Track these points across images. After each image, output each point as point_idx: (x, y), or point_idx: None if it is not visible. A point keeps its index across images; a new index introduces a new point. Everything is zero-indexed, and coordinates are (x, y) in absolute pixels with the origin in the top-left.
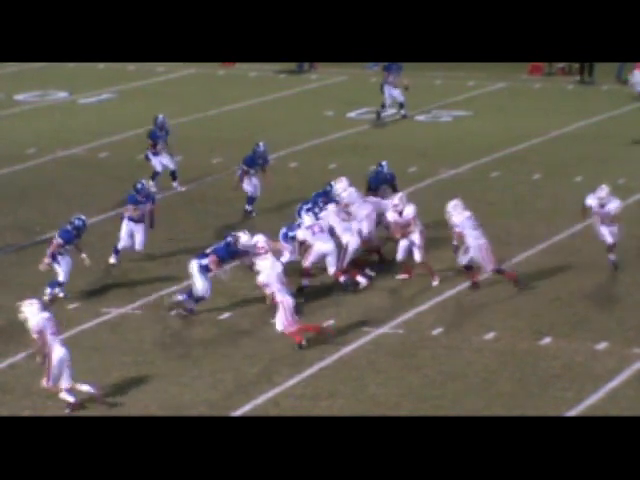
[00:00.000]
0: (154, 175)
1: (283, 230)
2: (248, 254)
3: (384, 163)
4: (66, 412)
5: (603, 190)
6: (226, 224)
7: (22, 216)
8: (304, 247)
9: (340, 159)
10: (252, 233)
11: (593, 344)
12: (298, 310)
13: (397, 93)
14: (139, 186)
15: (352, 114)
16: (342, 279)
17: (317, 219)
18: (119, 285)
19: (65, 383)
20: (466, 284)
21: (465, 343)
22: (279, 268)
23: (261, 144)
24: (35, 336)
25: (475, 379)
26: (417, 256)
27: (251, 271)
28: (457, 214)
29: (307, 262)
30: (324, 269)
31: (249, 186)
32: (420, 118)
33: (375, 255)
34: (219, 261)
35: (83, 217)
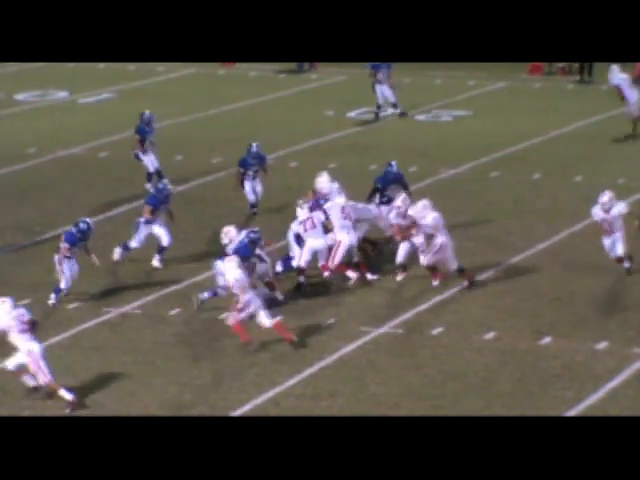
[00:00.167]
0: (149, 176)
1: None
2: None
3: (393, 163)
4: (66, 412)
5: (605, 195)
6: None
7: (22, 216)
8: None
9: (340, 159)
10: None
11: (593, 344)
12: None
13: (389, 93)
14: (160, 186)
15: (352, 114)
16: (326, 274)
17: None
18: (119, 285)
19: (30, 379)
20: (466, 284)
21: (465, 343)
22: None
23: (254, 145)
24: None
25: (475, 379)
26: (422, 259)
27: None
28: (427, 215)
29: (301, 261)
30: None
31: (250, 194)
32: (420, 118)
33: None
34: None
35: (88, 220)
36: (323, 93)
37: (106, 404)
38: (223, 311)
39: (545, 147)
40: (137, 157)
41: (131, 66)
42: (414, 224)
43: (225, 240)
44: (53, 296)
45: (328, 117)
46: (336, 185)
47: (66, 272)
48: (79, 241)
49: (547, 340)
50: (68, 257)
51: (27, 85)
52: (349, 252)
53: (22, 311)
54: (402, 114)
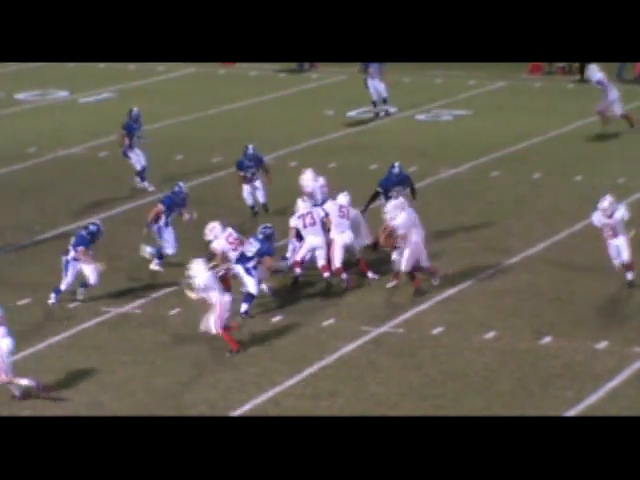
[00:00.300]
0: (138, 174)
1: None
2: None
3: (396, 164)
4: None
5: (605, 200)
6: (226, 224)
7: (22, 216)
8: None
9: (340, 158)
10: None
11: (593, 343)
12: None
13: (382, 88)
14: (177, 189)
15: (352, 113)
16: (326, 274)
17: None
18: (119, 285)
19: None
20: (467, 284)
21: (465, 342)
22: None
23: (250, 147)
24: None
25: (475, 378)
26: (424, 263)
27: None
28: (397, 215)
29: (298, 256)
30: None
31: (248, 196)
32: (420, 117)
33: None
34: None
35: (98, 222)
36: (323, 93)
37: (106, 404)
38: None
39: (545, 147)
40: (125, 155)
41: (131, 66)
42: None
43: (210, 237)
44: (81, 290)
45: (328, 117)
46: (319, 183)
47: (70, 276)
48: (90, 243)
49: (547, 340)
50: (79, 260)
51: (27, 85)
52: (349, 251)
53: None
54: (387, 113)
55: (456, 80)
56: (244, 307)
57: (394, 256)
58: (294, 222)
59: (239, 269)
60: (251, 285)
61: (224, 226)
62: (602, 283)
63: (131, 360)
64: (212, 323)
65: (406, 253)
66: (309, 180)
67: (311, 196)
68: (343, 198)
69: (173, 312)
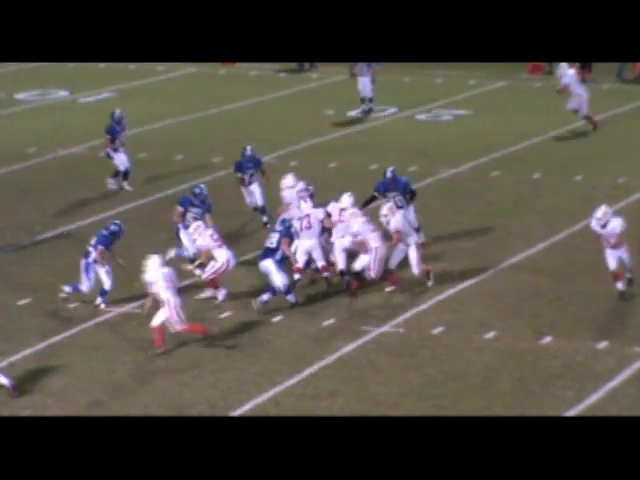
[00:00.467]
0: (116, 173)
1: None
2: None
3: (389, 170)
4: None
5: (600, 210)
6: (226, 223)
7: (22, 216)
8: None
9: (340, 158)
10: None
11: (593, 343)
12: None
13: (369, 88)
14: (197, 190)
15: (352, 113)
16: (326, 274)
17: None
18: (119, 284)
19: None
20: (466, 284)
21: (465, 342)
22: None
23: (248, 148)
24: None
25: (475, 378)
26: (414, 269)
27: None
28: (353, 222)
29: (298, 263)
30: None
31: (249, 196)
32: (420, 117)
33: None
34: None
35: (118, 222)
36: (323, 93)
37: (106, 404)
38: (223, 311)
39: (545, 147)
40: (108, 156)
41: (131, 66)
42: (397, 232)
43: (195, 235)
44: (100, 300)
45: (328, 117)
46: (298, 187)
47: (87, 280)
48: (110, 244)
49: (547, 340)
50: (98, 263)
51: (27, 85)
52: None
53: None
54: (368, 111)
55: (456, 80)
56: (265, 297)
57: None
58: (296, 224)
59: (269, 264)
60: (279, 280)
61: (207, 225)
62: (602, 283)
63: (131, 360)
64: (173, 322)
65: (369, 259)
66: (288, 185)
67: (287, 205)
68: (347, 199)
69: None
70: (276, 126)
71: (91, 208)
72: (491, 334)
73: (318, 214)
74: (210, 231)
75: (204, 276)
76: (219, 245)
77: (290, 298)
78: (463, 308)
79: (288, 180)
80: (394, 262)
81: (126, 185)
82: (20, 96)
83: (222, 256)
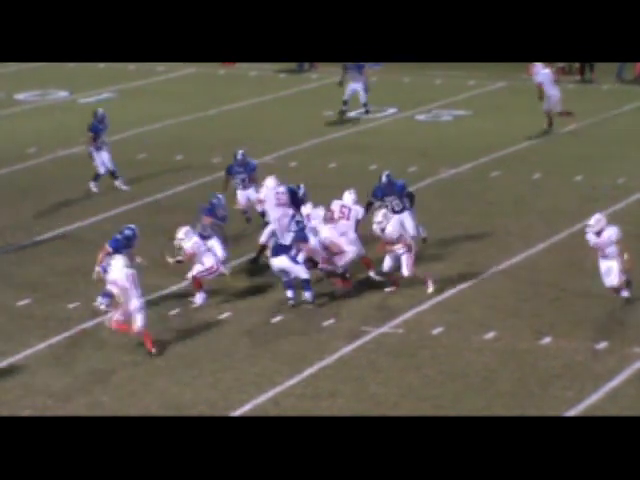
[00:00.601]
0: (96, 176)
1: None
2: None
3: (384, 174)
4: None
5: (593, 217)
6: (226, 224)
7: (22, 216)
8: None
9: (340, 158)
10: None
11: (593, 343)
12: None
13: (351, 91)
14: (215, 201)
15: (352, 113)
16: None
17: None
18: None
19: None
20: (466, 284)
21: (465, 343)
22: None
23: (240, 152)
24: None
25: (475, 379)
26: (405, 271)
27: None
28: (322, 229)
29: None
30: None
31: (242, 199)
32: (420, 117)
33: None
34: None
35: (133, 226)
36: (323, 93)
37: (106, 404)
38: (224, 311)
39: (545, 147)
40: (90, 155)
41: (131, 66)
42: (398, 239)
43: (185, 239)
44: (100, 300)
45: (328, 117)
46: (280, 190)
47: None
48: (123, 248)
49: (547, 340)
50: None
51: (27, 85)
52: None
53: None
54: (343, 112)
55: (456, 80)
56: (307, 295)
57: (387, 258)
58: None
59: (284, 260)
60: (301, 272)
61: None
62: (602, 283)
63: (131, 360)
64: (115, 320)
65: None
66: (267, 185)
67: (261, 201)
68: (348, 196)
69: (173, 312)
70: (276, 126)
71: (91, 208)
72: (491, 334)
73: (319, 213)
74: (196, 235)
75: (192, 273)
76: (207, 250)
77: (308, 296)
78: (463, 308)
79: (270, 181)
80: (388, 266)
81: (121, 185)
82: (20, 96)
83: (210, 261)
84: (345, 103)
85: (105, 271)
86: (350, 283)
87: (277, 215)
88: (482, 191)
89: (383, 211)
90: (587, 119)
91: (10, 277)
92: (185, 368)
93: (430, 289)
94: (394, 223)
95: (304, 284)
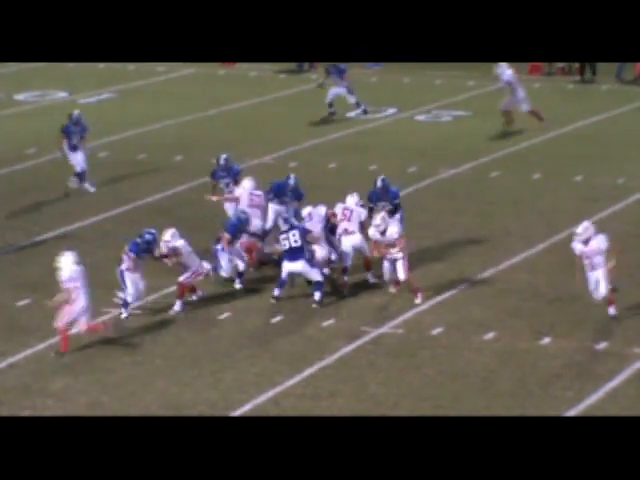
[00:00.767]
0: (78, 175)
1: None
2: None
3: (378, 178)
4: None
5: (581, 225)
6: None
7: (22, 216)
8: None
9: (340, 159)
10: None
11: (593, 344)
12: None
13: (332, 95)
14: (243, 216)
15: (352, 114)
16: (325, 270)
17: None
18: (119, 285)
19: None
20: (466, 284)
21: (465, 343)
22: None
23: (222, 157)
24: None
25: (475, 379)
26: (400, 274)
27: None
28: (387, 226)
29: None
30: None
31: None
32: (420, 118)
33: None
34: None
35: (153, 231)
36: (323, 93)
37: (106, 404)
38: (223, 311)
39: (545, 147)
40: (64, 155)
41: (131, 66)
42: (394, 242)
43: (172, 240)
44: (123, 310)
45: (328, 117)
46: (248, 191)
47: (129, 287)
48: (143, 252)
49: (547, 340)
50: (130, 270)
51: (27, 85)
52: (360, 252)
53: None
54: (331, 114)
55: (456, 81)
56: (317, 295)
57: (385, 265)
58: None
59: (301, 265)
60: (315, 274)
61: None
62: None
63: (131, 360)
64: (74, 322)
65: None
66: (243, 185)
67: (233, 197)
68: (351, 199)
69: (173, 312)
70: (276, 126)
71: (91, 208)
72: (490, 334)
73: (320, 211)
74: (182, 241)
75: (180, 279)
76: (192, 251)
77: (317, 297)
78: (462, 308)
79: (247, 183)
80: (388, 275)
81: (87, 186)
82: (20, 96)
83: (195, 262)
84: (330, 106)
85: (122, 277)
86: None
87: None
88: (482, 191)
89: (382, 214)
90: (587, 119)
91: (10, 277)
92: (185, 368)
93: (418, 300)
94: (393, 226)
95: (316, 285)
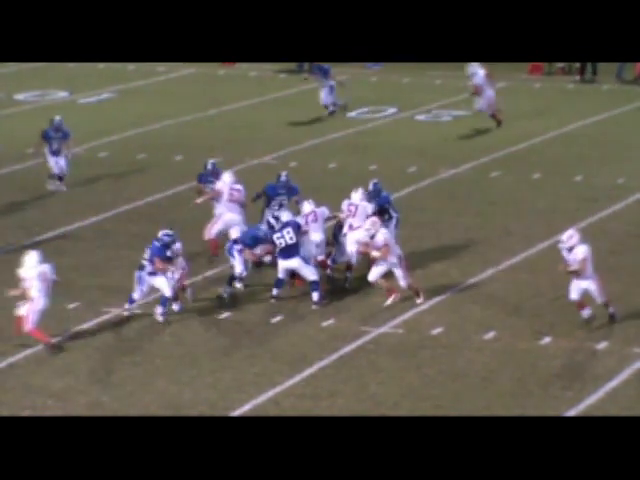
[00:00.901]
0: (53, 176)
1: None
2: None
3: (373, 181)
4: None
5: (565, 233)
6: None
7: (22, 216)
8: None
9: (340, 159)
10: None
11: (593, 344)
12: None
13: (330, 97)
14: (262, 234)
15: (352, 114)
16: (328, 271)
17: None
18: (119, 285)
19: None
20: (466, 284)
21: (465, 343)
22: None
23: (210, 162)
24: None
25: (475, 379)
26: (401, 282)
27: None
28: (378, 231)
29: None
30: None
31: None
32: (420, 118)
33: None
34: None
35: (171, 232)
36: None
37: (106, 404)
38: (223, 311)
39: (545, 147)
40: (44, 157)
41: (131, 66)
42: (386, 246)
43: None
44: (160, 310)
45: (328, 117)
46: (229, 186)
47: (141, 291)
48: (164, 254)
49: (547, 340)
50: (152, 274)
51: (27, 85)
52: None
53: None
54: (331, 113)
55: (456, 81)
56: (315, 296)
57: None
58: (301, 221)
59: (297, 262)
60: (310, 273)
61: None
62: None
63: (131, 360)
64: (25, 322)
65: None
66: (223, 179)
67: (216, 192)
68: (356, 195)
69: (173, 312)
70: (276, 126)
71: (91, 208)
72: (490, 334)
73: (324, 211)
74: (179, 244)
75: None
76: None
77: (315, 297)
78: (462, 308)
79: (227, 177)
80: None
81: (60, 185)
82: (20, 96)
83: (183, 263)
84: (326, 107)
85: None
86: (303, 282)
87: (224, 210)
88: (482, 191)
89: (373, 219)
90: (587, 119)
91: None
92: (184, 368)
93: (420, 300)
94: (384, 231)
95: (313, 285)
